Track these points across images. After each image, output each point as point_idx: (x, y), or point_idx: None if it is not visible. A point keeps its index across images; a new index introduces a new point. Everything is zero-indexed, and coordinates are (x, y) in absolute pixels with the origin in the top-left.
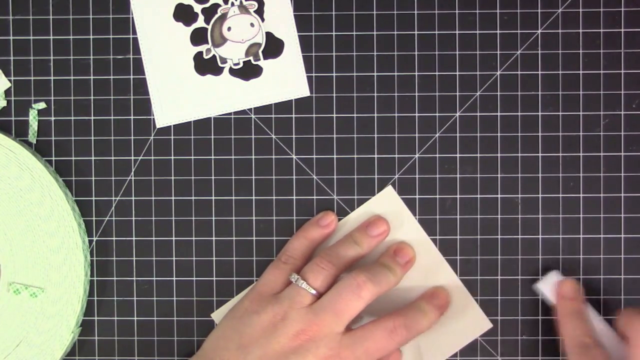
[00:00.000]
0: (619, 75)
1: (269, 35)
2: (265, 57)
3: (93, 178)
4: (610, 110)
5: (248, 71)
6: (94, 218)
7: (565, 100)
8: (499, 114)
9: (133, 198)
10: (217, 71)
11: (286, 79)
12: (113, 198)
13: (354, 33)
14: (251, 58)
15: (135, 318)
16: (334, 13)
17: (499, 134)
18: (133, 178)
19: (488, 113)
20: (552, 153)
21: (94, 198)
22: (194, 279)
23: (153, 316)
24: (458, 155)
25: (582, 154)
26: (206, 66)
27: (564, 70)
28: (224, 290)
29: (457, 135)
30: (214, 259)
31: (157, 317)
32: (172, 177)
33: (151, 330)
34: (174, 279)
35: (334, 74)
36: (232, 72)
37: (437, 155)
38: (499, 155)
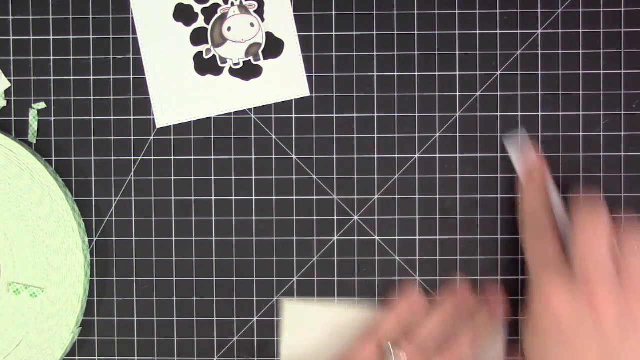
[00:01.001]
0: (619, 75)
1: (269, 35)
2: (265, 57)
3: (93, 178)
4: (610, 110)
5: (248, 71)
6: (94, 218)
7: (565, 100)
8: (499, 114)
9: (133, 198)
10: (217, 71)
11: (286, 79)
12: (113, 198)
13: (354, 33)
14: (251, 58)
15: (135, 318)
16: (334, 13)
17: (499, 134)
18: (133, 178)
19: (488, 113)
20: (552, 153)
21: (94, 198)
22: (194, 279)
23: (153, 316)
24: (458, 155)
25: (582, 154)
26: (206, 66)
27: (564, 70)
28: (224, 290)
29: (457, 135)
30: (214, 259)
31: (157, 317)
32: (172, 177)
33: (151, 330)
34: (174, 279)
35: (334, 74)
36: (232, 72)
37: (437, 155)
38: (499, 155)
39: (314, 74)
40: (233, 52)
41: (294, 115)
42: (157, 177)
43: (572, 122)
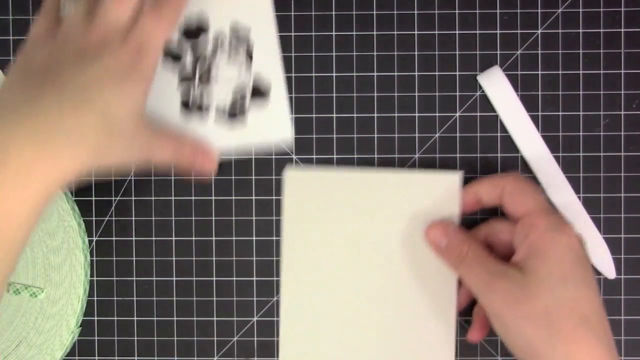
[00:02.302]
0: (619, 75)
1: (256, 78)
2: (251, 100)
3: (93, 178)
4: (610, 110)
5: (234, 113)
6: (94, 218)
7: (565, 100)
8: (499, 114)
9: (133, 198)
10: (203, 112)
11: (271, 122)
12: (113, 198)
13: (354, 33)
14: (238, 100)
15: (135, 318)
16: (334, 13)
17: (499, 134)
18: (133, 178)
19: (488, 113)
20: (552, 153)
21: (94, 198)
22: (194, 279)
23: (153, 316)
24: (458, 155)
25: (582, 154)
26: (192, 107)
27: (563, 70)
28: (223, 290)
29: (457, 135)
30: (214, 259)
31: (157, 317)
32: (172, 177)
33: (151, 330)
34: (174, 279)
35: (334, 74)
36: (218, 114)
37: (437, 155)
38: (499, 155)
39: (313, 74)
40: (220, 94)
41: (293, 116)
42: (157, 177)
43: (572, 122)
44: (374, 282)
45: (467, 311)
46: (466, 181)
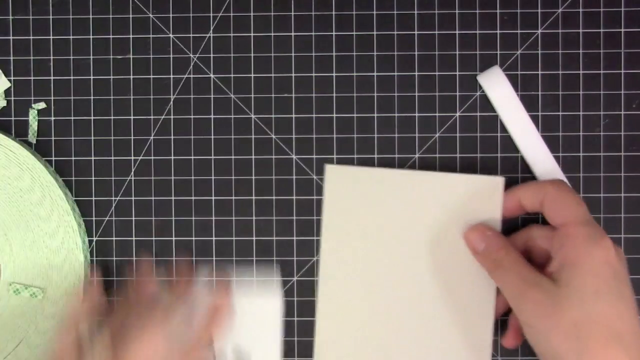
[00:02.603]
0: (619, 75)
1: None
2: None
3: (93, 178)
4: (610, 110)
5: None
6: (94, 218)
7: (565, 100)
8: (499, 113)
9: (133, 198)
10: None
11: None
12: (113, 198)
13: (354, 33)
14: None
15: None
16: (334, 13)
17: (498, 134)
18: (133, 178)
19: (488, 113)
20: (552, 153)
21: (94, 198)
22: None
23: None
24: (458, 155)
25: (582, 154)
26: None
27: (563, 70)
28: None
29: (457, 135)
30: (213, 259)
31: None
32: (172, 177)
33: None
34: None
35: (334, 74)
36: None
37: (437, 155)
38: (499, 155)
39: (314, 74)
40: None
41: (294, 116)
42: (157, 177)
43: (572, 122)
44: (412, 284)
45: (504, 314)
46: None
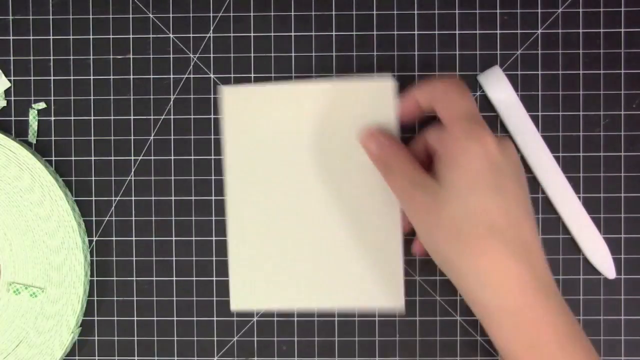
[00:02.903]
0: (619, 75)
1: None
2: None
3: (93, 178)
4: (610, 110)
5: None
6: (94, 218)
7: (565, 100)
8: (499, 113)
9: (133, 198)
10: None
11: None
12: (113, 198)
13: (354, 33)
14: None
15: (135, 318)
16: (334, 13)
17: (498, 134)
18: (133, 178)
19: (488, 113)
20: (552, 153)
21: (94, 198)
22: (194, 279)
23: (153, 316)
24: None
25: (582, 154)
26: None
27: (563, 70)
28: (223, 290)
29: None
30: (214, 259)
31: (157, 317)
32: (172, 177)
33: (151, 330)
34: (174, 279)
35: (334, 74)
36: None
37: None
38: None
39: (314, 74)
40: None
41: None
42: (157, 177)
43: (572, 122)
44: (318, 198)
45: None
46: None
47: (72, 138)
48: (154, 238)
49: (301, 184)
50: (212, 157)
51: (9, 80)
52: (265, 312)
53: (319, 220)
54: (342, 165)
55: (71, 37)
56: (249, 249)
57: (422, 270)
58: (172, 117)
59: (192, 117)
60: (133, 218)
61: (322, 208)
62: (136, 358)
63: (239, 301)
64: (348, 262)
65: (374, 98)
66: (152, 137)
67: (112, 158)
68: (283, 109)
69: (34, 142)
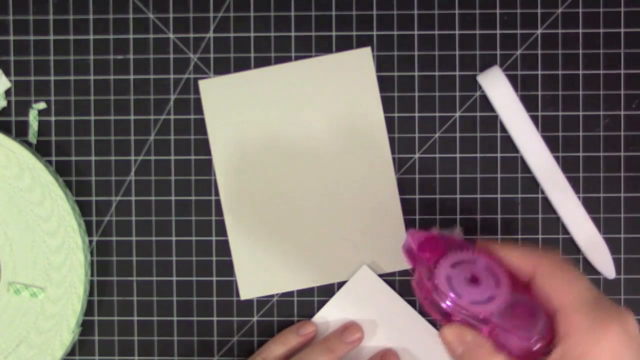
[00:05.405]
0: (619, 75)
1: None
2: None
3: (93, 178)
4: (610, 110)
5: None
6: (94, 218)
7: (565, 100)
8: (499, 113)
9: (133, 198)
10: None
11: None
12: (113, 198)
13: (354, 33)
14: None
15: (135, 318)
16: (334, 13)
17: (498, 134)
18: (133, 178)
19: (488, 113)
20: (552, 153)
21: (94, 198)
22: (194, 279)
23: (153, 316)
24: (458, 155)
25: (582, 154)
26: None
27: (563, 70)
28: (223, 290)
29: (457, 135)
30: (213, 259)
31: (157, 317)
32: (172, 177)
33: (151, 330)
34: (174, 279)
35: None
36: None
37: (437, 155)
38: (498, 155)
39: None
40: None
41: None
42: (157, 177)
43: (572, 122)
44: (311, 175)
45: None
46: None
47: (72, 138)
48: (154, 238)
49: (291, 164)
50: (212, 157)
51: (9, 80)
52: (265, 313)
53: (313, 199)
54: (331, 139)
55: (71, 37)
56: (248, 240)
57: None
58: (172, 117)
59: (192, 117)
60: (133, 218)
61: (315, 184)
62: (136, 358)
63: (246, 291)
64: (343, 239)
65: (353, 66)
66: (152, 137)
67: (112, 158)
68: (262, 90)
69: (34, 142)
